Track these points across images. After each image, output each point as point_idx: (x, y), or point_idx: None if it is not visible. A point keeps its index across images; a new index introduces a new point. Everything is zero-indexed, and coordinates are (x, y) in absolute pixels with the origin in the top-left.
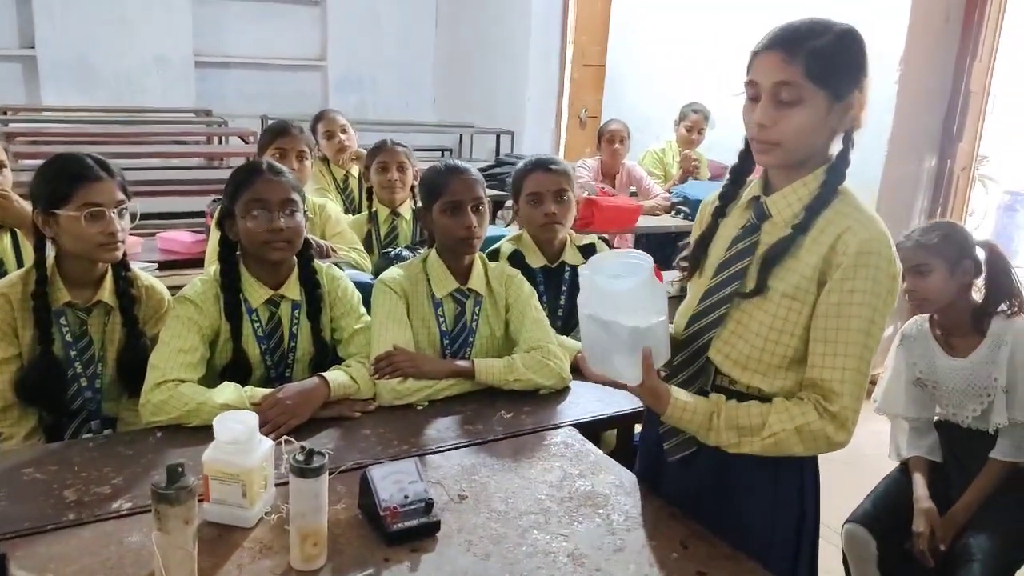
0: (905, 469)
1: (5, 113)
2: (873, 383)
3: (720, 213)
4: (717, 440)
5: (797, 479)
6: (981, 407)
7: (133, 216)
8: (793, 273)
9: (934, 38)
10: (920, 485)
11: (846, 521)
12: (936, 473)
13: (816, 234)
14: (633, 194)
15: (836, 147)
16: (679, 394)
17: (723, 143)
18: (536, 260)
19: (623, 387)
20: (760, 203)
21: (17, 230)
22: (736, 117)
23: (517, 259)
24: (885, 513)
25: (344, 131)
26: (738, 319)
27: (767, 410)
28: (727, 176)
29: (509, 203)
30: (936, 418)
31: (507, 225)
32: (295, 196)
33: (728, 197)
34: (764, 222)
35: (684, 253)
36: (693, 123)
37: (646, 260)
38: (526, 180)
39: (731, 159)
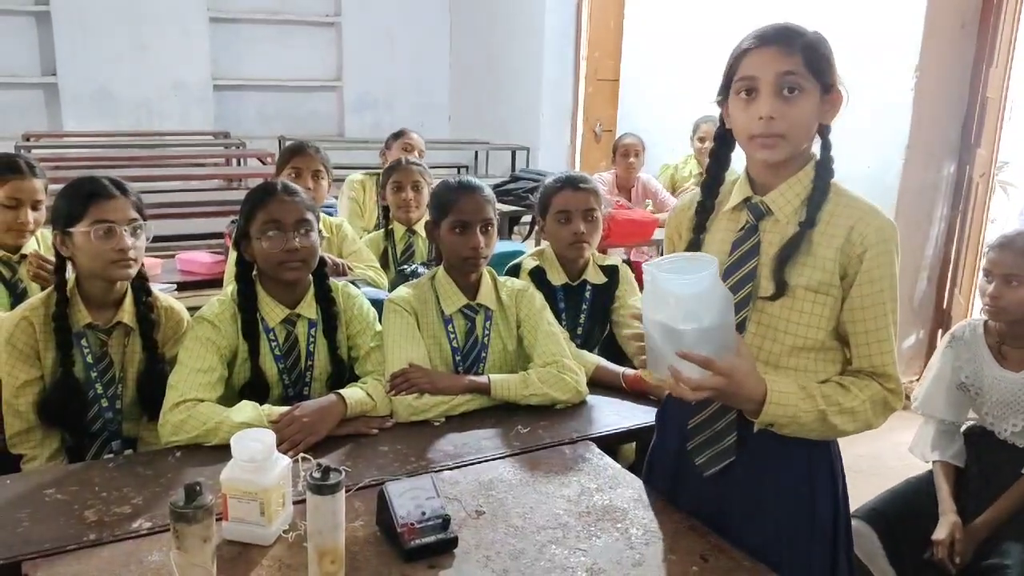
0: (930, 474)
1: (28, 140)
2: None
3: (701, 229)
4: (824, 421)
5: (830, 482)
6: (1023, 423)
7: (148, 236)
8: (810, 268)
9: (949, 44)
10: (946, 495)
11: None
12: (957, 480)
13: (823, 227)
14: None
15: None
16: (774, 384)
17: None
18: (557, 278)
19: (698, 394)
20: (755, 203)
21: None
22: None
23: (538, 275)
24: (892, 511)
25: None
26: (759, 320)
27: (842, 391)
28: (699, 191)
29: (526, 219)
30: (969, 423)
31: (523, 240)
32: (309, 216)
33: (708, 210)
34: (762, 221)
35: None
36: (706, 134)
37: (710, 260)
38: (555, 198)
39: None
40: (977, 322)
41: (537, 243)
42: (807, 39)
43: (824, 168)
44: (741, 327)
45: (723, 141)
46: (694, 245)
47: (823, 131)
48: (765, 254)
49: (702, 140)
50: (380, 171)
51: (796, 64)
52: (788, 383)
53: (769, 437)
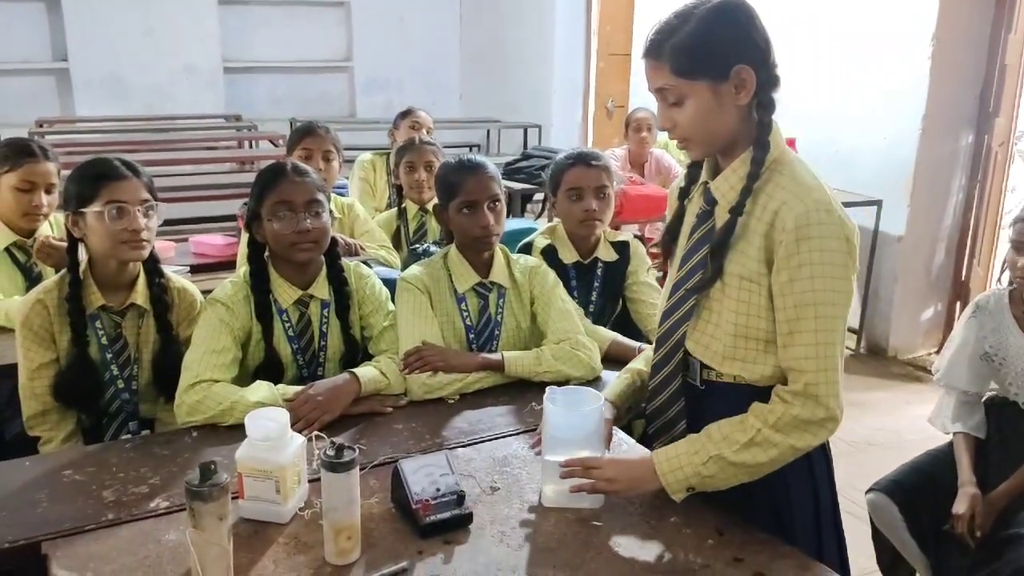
0: (949, 446)
1: (41, 126)
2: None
3: (685, 195)
4: (731, 464)
5: (803, 463)
6: None
7: (160, 217)
8: (744, 255)
9: (967, 12)
10: (966, 467)
11: (868, 490)
12: (977, 451)
13: (759, 212)
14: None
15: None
16: (659, 452)
17: None
18: (569, 255)
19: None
20: (708, 189)
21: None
22: None
23: (550, 253)
24: (911, 483)
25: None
26: (708, 307)
27: (735, 421)
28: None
29: (538, 196)
30: (990, 394)
31: (536, 218)
32: (320, 196)
33: (692, 178)
34: (715, 207)
35: (655, 241)
36: (641, 122)
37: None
38: (566, 174)
39: None
40: (1002, 291)
41: (550, 221)
42: (675, 41)
43: (760, 148)
44: (690, 315)
45: None
46: (678, 215)
47: (760, 111)
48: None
49: (638, 131)
50: (389, 151)
51: (665, 76)
52: (676, 444)
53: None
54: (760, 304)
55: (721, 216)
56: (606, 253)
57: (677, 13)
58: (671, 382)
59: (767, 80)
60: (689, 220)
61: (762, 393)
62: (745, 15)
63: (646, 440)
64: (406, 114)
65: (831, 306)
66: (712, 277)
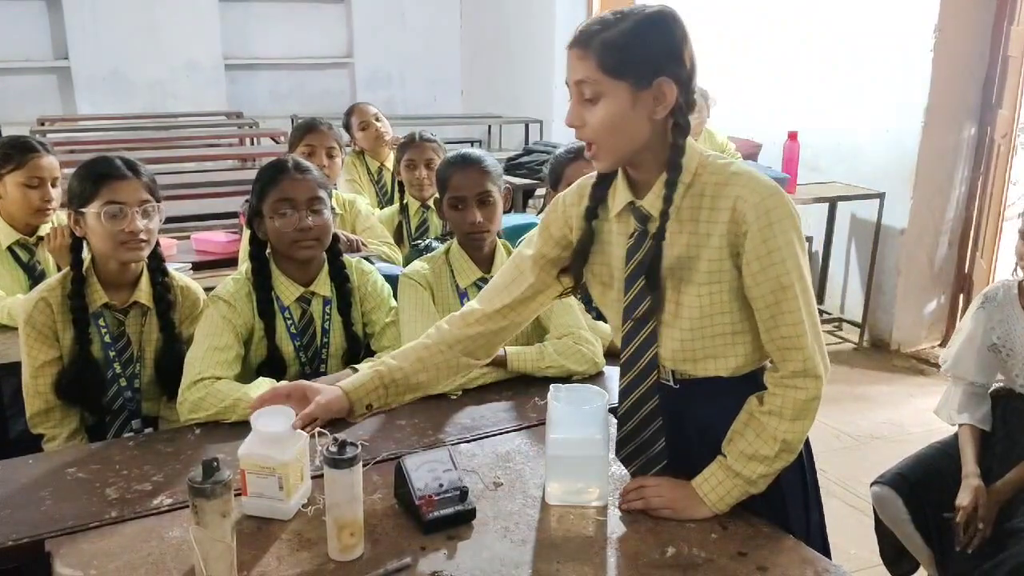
0: (954, 438)
1: (43, 124)
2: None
3: (592, 215)
4: (760, 476)
5: None
6: None
7: (161, 217)
8: (699, 261)
9: (970, 3)
10: (970, 459)
11: (872, 483)
12: (982, 443)
13: (708, 214)
14: None
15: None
16: (696, 479)
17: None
18: None
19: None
20: (637, 208)
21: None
22: (731, 93)
23: None
24: (916, 476)
25: (378, 119)
26: (667, 322)
27: (751, 421)
28: (587, 186)
29: (540, 191)
30: (996, 386)
31: (538, 213)
32: (321, 193)
33: (598, 198)
34: (648, 224)
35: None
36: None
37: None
38: (567, 169)
39: (735, 134)
40: (1011, 282)
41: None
42: (607, 36)
43: (673, 170)
44: (654, 337)
45: None
46: (587, 235)
47: (675, 132)
48: (661, 266)
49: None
50: (363, 150)
51: (589, 68)
52: (713, 472)
53: (716, 419)
54: (723, 300)
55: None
56: None
57: (615, 12)
58: (644, 404)
59: (685, 102)
60: (613, 239)
61: (738, 382)
62: (680, 31)
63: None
64: (350, 113)
65: (804, 280)
66: (675, 299)
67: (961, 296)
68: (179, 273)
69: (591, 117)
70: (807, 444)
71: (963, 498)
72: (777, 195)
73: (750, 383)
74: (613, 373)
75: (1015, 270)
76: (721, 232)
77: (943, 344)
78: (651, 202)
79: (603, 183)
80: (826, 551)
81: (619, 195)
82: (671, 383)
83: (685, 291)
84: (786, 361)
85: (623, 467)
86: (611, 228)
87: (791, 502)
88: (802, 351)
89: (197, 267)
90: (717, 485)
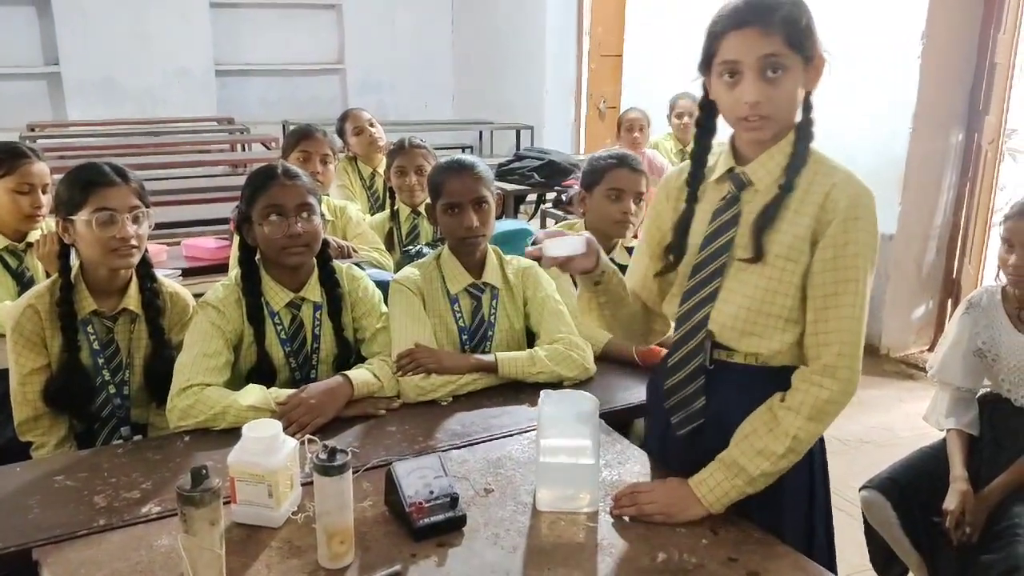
0: (943, 443)
1: (33, 130)
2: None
3: (693, 198)
4: (762, 474)
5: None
6: None
7: (151, 223)
8: (785, 235)
9: (957, 10)
10: (958, 464)
11: (861, 487)
12: (970, 447)
13: (801, 194)
14: None
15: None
16: (694, 478)
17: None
18: None
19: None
20: (737, 174)
21: None
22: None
23: None
24: (906, 480)
25: (372, 124)
26: (730, 287)
27: (768, 415)
28: (689, 161)
29: (531, 197)
30: (983, 391)
31: (529, 219)
32: (311, 199)
33: (698, 180)
34: (744, 191)
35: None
36: (684, 109)
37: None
38: (609, 173)
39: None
40: (995, 288)
41: (542, 223)
42: (785, 13)
43: (805, 133)
44: (714, 296)
45: (708, 111)
46: (687, 215)
47: (806, 97)
48: (744, 224)
49: (680, 116)
50: (355, 155)
51: (776, 44)
52: (711, 471)
53: (734, 408)
54: (792, 282)
55: (752, 199)
56: (621, 256)
57: None
58: (692, 359)
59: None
60: (705, 208)
61: (769, 375)
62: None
63: (649, 440)
64: (345, 118)
65: (866, 285)
66: (757, 255)
67: (949, 301)
68: (168, 279)
69: (774, 91)
70: (823, 461)
71: (950, 502)
72: (870, 198)
73: (777, 381)
74: (606, 378)
75: (998, 275)
76: (811, 213)
77: (932, 349)
78: (754, 169)
79: (703, 152)
80: (832, 567)
81: (722, 163)
82: (706, 362)
83: (765, 260)
84: (820, 357)
85: (614, 473)
86: (706, 196)
87: (790, 507)
88: (840, 346)
89: (187, 273)
90: (715, 486)
